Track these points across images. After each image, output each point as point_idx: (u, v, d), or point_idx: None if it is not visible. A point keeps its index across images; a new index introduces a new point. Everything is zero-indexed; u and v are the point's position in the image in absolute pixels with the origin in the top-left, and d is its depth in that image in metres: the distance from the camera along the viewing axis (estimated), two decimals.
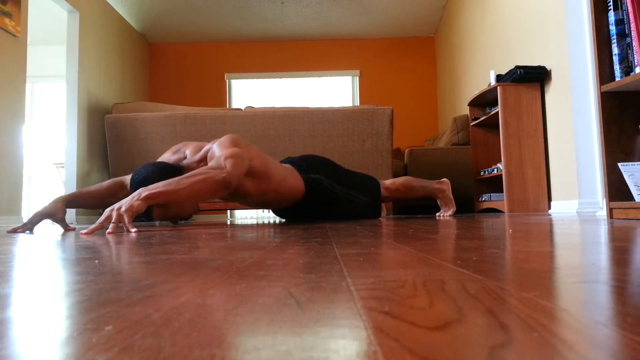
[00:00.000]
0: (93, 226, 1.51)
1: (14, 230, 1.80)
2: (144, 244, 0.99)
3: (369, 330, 0.26)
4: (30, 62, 6.60)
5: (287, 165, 2.42)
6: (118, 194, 2.08)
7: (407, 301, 0.33)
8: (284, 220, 2.78)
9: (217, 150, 2.03)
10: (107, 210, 1.59)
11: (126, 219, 1.54)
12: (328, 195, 2.50)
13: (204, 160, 2.11)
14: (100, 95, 4.97)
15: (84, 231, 1.51)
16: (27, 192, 6.55)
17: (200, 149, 2.20)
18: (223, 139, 2.08)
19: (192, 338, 0.25)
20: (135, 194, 1.63)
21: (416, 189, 2.82)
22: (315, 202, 2.46)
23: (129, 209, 1.56)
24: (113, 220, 1.53)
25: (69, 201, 1.93)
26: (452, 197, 2.90)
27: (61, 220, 1.91)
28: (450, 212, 2.87)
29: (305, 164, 2.51)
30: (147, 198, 1.62)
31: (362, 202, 2.63)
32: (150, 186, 1.66)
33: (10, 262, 0.69)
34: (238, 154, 1.98)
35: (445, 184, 2.89)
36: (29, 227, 1.84)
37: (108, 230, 1.50)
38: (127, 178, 2.13)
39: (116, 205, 1.59)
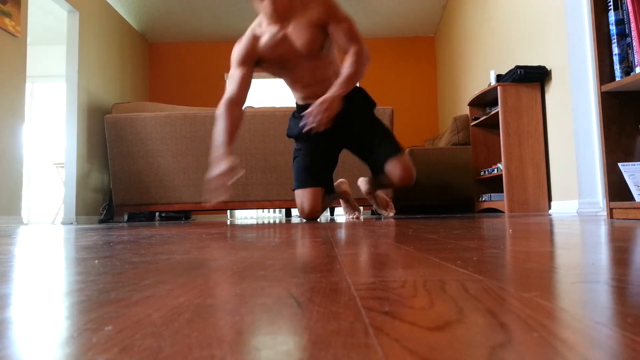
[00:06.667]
0: None
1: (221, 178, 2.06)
2: (144, 244, 0.99)
3: (369, 330, 0.26)
4: (30, 62, 6.60)
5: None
6: (240, 118, 2.30)
7: (407, 301, 0.33)
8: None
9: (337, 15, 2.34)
10: (316, 105, 2.12)
11: (324, 117, 2.10)
12: (369, 108, 2.53)
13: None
14: (100, 95, 4.97)
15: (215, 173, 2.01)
16: (27, 192, 6.54)
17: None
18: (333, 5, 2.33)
19: (192, 338, 0.25)
20: (328, 98, 2.13)
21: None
22: (356, 110, 2.45)
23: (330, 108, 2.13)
24: (320, 117, 2.10)
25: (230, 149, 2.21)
26: (352, 199, 2.85)
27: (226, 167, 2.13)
28: (356, 215, 2.78)
29: None
30: (340, 96, 2.16)
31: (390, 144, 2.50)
32: (336, 88, 2.18)
33: (10, 262, 0.69)
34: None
35: (344, 184, 2.82)
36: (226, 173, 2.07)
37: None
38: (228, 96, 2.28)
39: (318, 103, 2.13)
